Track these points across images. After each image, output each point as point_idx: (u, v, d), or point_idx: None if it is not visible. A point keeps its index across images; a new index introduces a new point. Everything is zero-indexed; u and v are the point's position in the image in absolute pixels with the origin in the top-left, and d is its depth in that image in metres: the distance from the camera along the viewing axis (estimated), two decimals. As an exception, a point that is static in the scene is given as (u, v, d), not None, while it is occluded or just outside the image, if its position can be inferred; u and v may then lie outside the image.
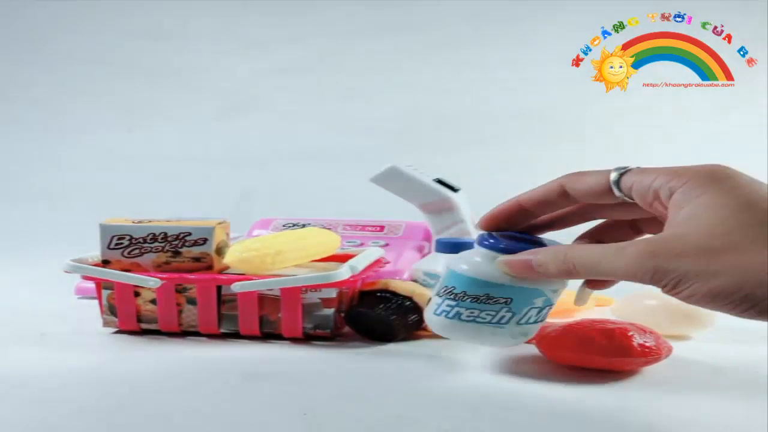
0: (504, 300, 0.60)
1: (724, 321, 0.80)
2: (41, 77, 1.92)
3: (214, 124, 1.91)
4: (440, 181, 1.01)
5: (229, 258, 0.75)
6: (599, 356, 0.65)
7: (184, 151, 1.86)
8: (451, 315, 0.62)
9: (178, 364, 0.71)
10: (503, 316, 0.60)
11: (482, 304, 0.60)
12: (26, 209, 1.67)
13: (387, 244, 1.02)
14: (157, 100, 1.92)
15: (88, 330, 0.81)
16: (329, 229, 0.98)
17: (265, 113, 1.91)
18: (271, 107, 1.92)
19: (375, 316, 0.76)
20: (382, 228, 1.10)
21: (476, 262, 0.60)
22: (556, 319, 0.80)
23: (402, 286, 0.78)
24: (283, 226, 1.09)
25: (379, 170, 0.99)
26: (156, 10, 1.95)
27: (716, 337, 0.79)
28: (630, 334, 0.65)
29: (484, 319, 0.60)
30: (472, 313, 0.61)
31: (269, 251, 0.75)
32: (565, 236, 0.63)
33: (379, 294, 0.78)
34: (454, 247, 0.81)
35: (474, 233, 0.97)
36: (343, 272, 0.74)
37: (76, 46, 1.93)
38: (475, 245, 0.61)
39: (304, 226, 1.06)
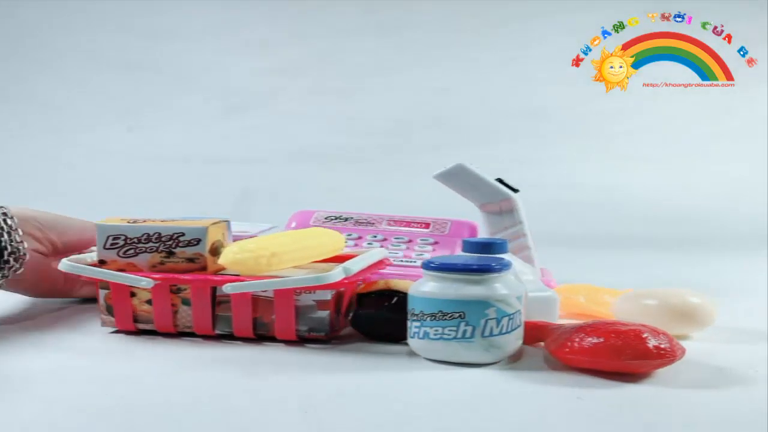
0: (458, 314, 0.67)
1: (723, 321, 0.80)
2: (41, 77, 1.93)
3: (214, 123, 1.91)
4: (501, 181, 1.00)
5: (224, 259, 0.74)
6: (614, 359, 0.64)
7: (184, 150, 1.86)
8: (421, 335, 0.69)
9: (177, 362, 0.71)
10: (465, 330, 0.67)
11: (440, 321, 0.68)
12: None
13: (436, 242, 1.01)
14: (158, 99, 1.92)
15: (88, 329, 0.81)
16: (372, 224, 0.97)
17: (265, 113, 1.91)
18: (271, 107, 1.92)
19: (381, 316, 0.75)
20: (427, 225, 1.06)
21: (426, 283, 0.69)
22: (566, 320, 0.79)
23: (404, 284, 0.76)
24: (325, 219, 1.05)
25: (445, 167, 0.96)
26: (156, 10, 1.95)
27: (715, 337, 0.79)
28: (644, 335, 0.64)
29: (449, 335, 0.67)
30: (436, 331, 0.68)
31: (264, 253, 0.73)
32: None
33: (381, 294, 0.76)
34: (483, 247, 0.81)
35: (530, 236, 0.97)
36: (336, 274, 0.71)
37: (77, 46, 1.93)
38: (422, 269, 0.70)
39: (346, 219, 1.04)
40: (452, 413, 0.58)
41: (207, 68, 1.95)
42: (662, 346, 0.64)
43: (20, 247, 0.79)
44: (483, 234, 1.04)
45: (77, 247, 0.87)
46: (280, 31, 1.95)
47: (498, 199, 0.98)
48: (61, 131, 1.88)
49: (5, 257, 0.78)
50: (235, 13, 1.96)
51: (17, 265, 0.79)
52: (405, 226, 1.06)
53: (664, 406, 0.60)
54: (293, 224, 1.06)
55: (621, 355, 0.64)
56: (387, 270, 0.87)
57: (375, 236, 1.03)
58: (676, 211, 1.69)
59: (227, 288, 0.73)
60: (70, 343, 0.77)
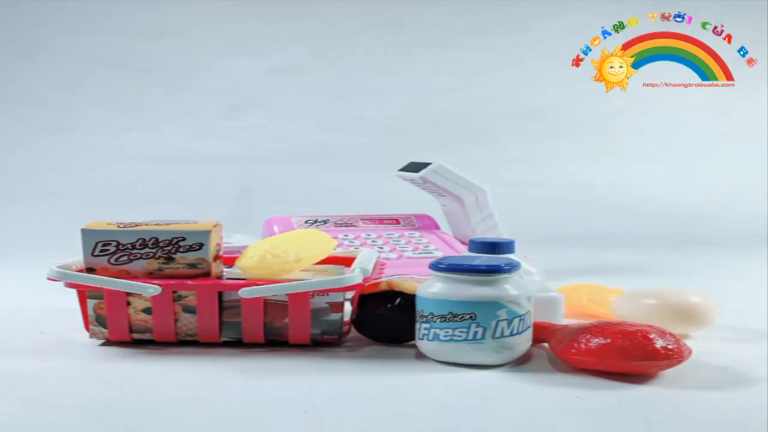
0: (469, 315, 0.66)
1: (723, 320, 0.80)
2: (41, 76, 1.92)
3: (214, 123, 1.91)
4: (417, 164, 1.05)
5: (247, 261, 0.71)
6: (622, 360, 0.64)
7: (184, 150, 1.86)
8: (430, 337, 0.68)
9: (178, 362, 0.71)
10: (476, 332, 0.66)
11: (450, 322, 0.67)
12: (26, 208, 1.67)
13: (422, 236, 1.06)
14: (158, 99, 1.92)
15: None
16: (351, 224, 1.02)
17: (265, 113, 1.91)
18: (271, 107, 1.92)
19: (385, 318, 0.74)
20: (398, 221, 1.10)
21: (435, 284, 0.68)
22: (571, 320, 0.79)
23: (406, 285, 0.75)
24: (306, 222, 1.08)
25: (428, 168, 1.04)
26: (156, 10, 1.95)
27: (715, 336, 0.79)
28: (651, 336, 0.64)
29: (460, 336, 0.67)
30: (446, 332, 0.67)
31: (289, 258, 0.72)
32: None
33: (384, 296, 0.75)
34: (491, 247, 0.81)
35: (500, 222, 1.05)
36: (356, 276, 0.71)
37: (77, 46, 1.93)
38: (431, 270, 0.69)
39: (326, 222, 1.08)
40: (453, 414, 0.58)
41: (207, 68, 1.95)
42: (670, 346, 0.64)
43: None
44: (456, 225, 1.10)
45: None
46: (280, 31, 1.95)
47: (475, 191, 1.05)
48: (61, 131, 1.87)
49: None
50: (235, 13, 1.96)
51: None
52: (380, 223, 1.10)
53: (666, 405, 0.60)
54: (275, 228, 1.06)
55: (629, 356, 0.64)
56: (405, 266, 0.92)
57: (369, 235, 1.06)
58: (676, 211, 1.69)
59: (243, 293, 0.70)
60: (71, 342, 0.77)
